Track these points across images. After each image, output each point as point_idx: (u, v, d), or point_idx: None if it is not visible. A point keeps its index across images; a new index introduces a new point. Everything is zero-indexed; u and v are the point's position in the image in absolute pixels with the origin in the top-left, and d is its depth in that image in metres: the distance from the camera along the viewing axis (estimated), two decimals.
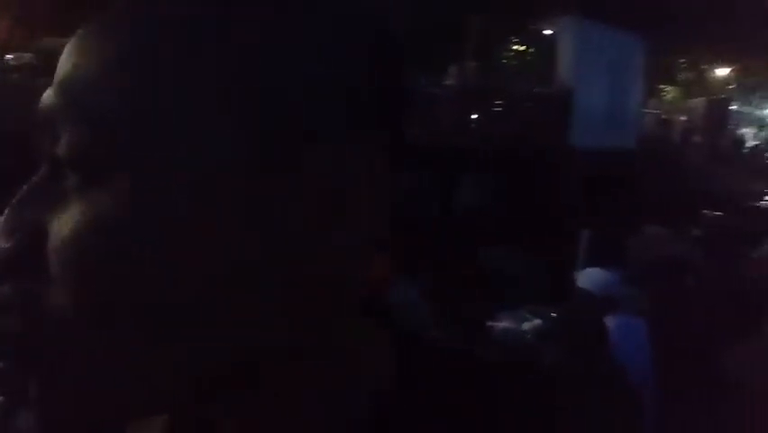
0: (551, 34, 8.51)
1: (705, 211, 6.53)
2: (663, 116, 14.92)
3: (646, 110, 12.40)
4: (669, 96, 18.93)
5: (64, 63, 0.28)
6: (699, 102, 14.19)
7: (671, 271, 2.75)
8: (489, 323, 2.43)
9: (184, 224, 0.26)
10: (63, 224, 0.26)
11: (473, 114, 8.37)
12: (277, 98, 0.26)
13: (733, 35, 15.61)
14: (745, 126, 22.52)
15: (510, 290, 2.78)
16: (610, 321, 2.03)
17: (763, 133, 25.65)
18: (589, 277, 2.27)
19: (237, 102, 0.25)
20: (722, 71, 19.55)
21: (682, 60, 17.89)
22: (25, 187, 0.28)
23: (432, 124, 7.54)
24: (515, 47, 9.54)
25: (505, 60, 9.41)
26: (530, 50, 9.22)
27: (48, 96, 0.27)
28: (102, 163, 0.25)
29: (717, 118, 12.37)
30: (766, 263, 2.78)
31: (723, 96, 15.04)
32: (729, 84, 20.17)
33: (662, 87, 17.99)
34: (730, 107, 13.27)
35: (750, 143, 21.79)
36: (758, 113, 22.52)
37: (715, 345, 2.09)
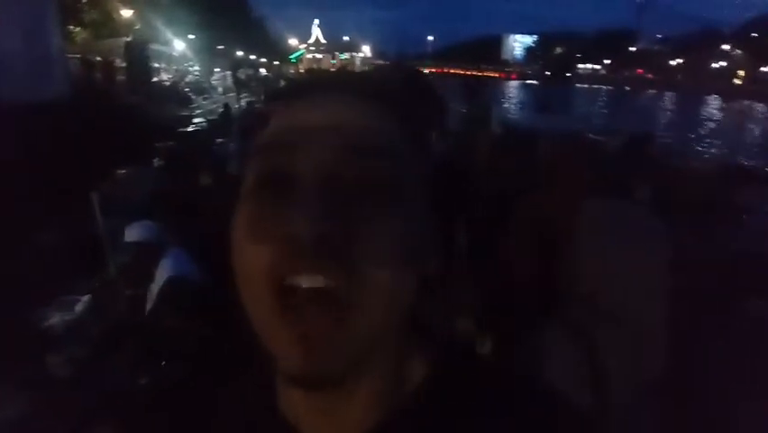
0: None
1: (159, 144, 6.91)
2: (84, 59, 14.28)
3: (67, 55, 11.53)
4: (80, 38, 18.13)
5: None
6: (114, 42, 14.21)
7: None
8: None
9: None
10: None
11: None
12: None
13: None
14: (156, 62, 24.48)
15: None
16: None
17: (173, 68, 28.67)
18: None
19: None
20: (127, 12, 20.13)
21: (86, 1, 17.11)
22: None
23: None
24: None
25: None
26: None
27: None
28: None
29: (136, 57, 12.71)
30: None
31: (138, 36, 15.46)
32: (135, 24, 21.08)
33: (72, 28, 16.90)
34: (147, 46, 13.76)
35: (165, 77, 23.94)
36: (165, 49, 24.84)
37: None
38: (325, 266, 0.35)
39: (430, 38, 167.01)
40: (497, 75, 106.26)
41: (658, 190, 2.96)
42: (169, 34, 24.07)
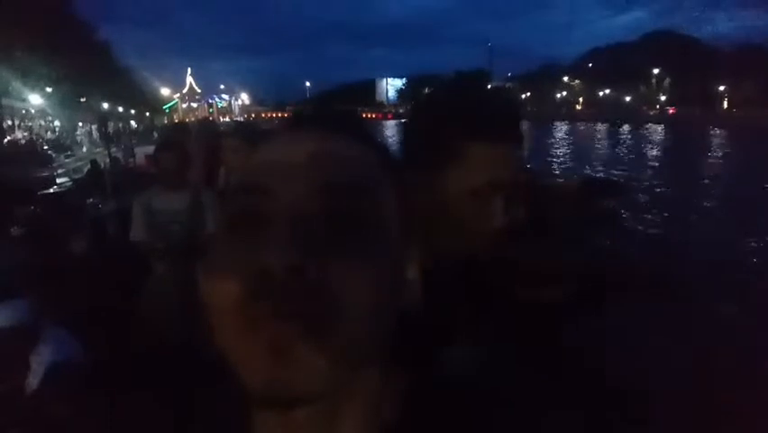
0: None
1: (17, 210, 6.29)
2: None
3: None
4: None
5: None
6: None
7: None
8: None
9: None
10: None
11: None
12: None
13: None
14: (9, 119, 21.94)
15: None
16: None
17: (29, 124, 25.85)
18: None
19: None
20: None
21: None
22: None
23: None
24: None
25: None
26: None
27: None
28: None
29: None
30: None
31: None
32: None
33: None
34: None
35: (20, 135, 21.51)
36: (19, 104, 22.31)
37: None
38: (297, 301, 0.34)
39: (308, 83, 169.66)
40: (375, 116, 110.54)
41: (533, 207, 3.30)
42: (22, 87, 21.63)
